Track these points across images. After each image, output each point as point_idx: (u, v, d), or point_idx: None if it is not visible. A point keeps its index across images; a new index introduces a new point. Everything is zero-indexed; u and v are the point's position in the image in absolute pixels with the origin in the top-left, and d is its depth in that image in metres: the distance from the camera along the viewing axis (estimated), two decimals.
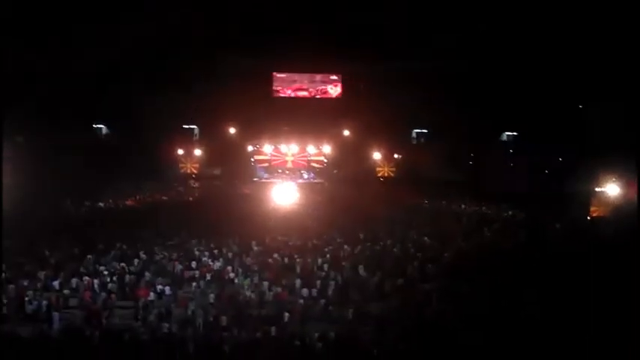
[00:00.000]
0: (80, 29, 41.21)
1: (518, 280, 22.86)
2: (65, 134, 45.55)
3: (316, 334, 17.52)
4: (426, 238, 31.76)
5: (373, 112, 52.68)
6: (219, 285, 23.33)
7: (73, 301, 21.63)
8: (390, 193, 50.07)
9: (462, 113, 50.44)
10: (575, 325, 17.15)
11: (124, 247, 28.33)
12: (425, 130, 60.52)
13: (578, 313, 18.03)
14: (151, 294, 21.86)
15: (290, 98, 60.20)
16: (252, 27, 48.04)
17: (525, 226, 36.63)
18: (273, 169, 60.11)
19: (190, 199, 50.84)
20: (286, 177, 58.39)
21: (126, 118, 53.31)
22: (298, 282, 23.52)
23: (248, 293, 22.21)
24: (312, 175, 59.78)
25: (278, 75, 60.35)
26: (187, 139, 60.11)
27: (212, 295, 21.82)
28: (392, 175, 58.88)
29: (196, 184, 57.58)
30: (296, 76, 60.75)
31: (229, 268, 25.22)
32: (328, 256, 27.49)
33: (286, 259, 26.71)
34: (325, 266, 25.81)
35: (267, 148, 60.07)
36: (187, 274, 24.72)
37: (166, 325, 18.60)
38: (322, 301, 21.56)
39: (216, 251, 27.83)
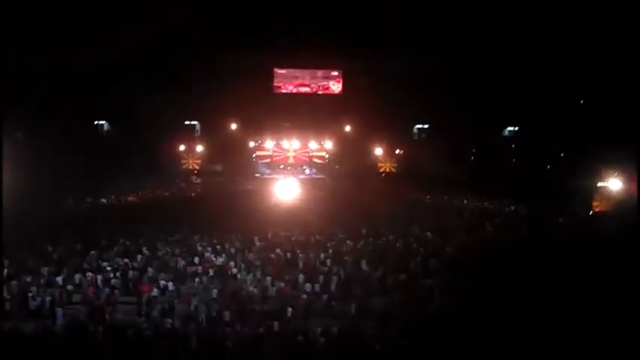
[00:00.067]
0: (80, 26, 41.20)
1: (521, 275, 22.85)
2: (66, 131, 45.54)
3: (319, 330, 17.53)
4: (428, 233, 31.78)
5: (374, 107, 52.62)
6: (222, 280, 23.35)
7: (76, 297, 21.66)
8: (391, 189, 50.08)
9: (463, 109, 50.39)
10: (577, 321, 17.15)
11: (127, 243, 28.37)
12: (426, 126, 60.53)
13: (579, 309, 18.02)
14: (154, 290, 21.87)
15: (292, 94, 60.20)
16: (254, 23, 48.01)
17: (527, 222, 36.62)
18: (275, 164, 60.20)
19: (192, 194, 50.90)
20: (288, 173, 58.44)
21: (127, 115, 53.34)
22: (301, 277, 23.51)
23: (251, 288, 22.23)
24: (313, 170, 59.84)
25: (279, 71, 60.33)
26: (189, 136, 60.14)
27: (215, 291, 21.85)
28: (393, 170, 58.92)
29: (198, 180, 57.64)
30: (297, 72, 60.73)
31: (232, 263, 25.23)
32: (331, 251, 27.52)
33: (289, 255, 26.73)
34: (328, 261, 25.82)
35: (269, 144, 60.16)
36: (190, 269, 24.72)
37: (169, 320, 18.60)
38: (325, 297, 21.57)
39: (218, 247, 27.85)
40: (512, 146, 58.75)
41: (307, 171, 59.79)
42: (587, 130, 43.87)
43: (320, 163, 60.27)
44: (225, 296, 21.46)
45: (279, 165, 60.24)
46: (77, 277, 23.20)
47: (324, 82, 60.73)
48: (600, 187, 41.78)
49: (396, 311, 19.86)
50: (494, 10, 43.91)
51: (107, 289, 21.89)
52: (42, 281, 22.78)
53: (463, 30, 46.73)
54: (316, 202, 43.00)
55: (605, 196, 40.94)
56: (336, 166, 59.44)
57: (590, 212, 40.48)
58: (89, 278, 22.98)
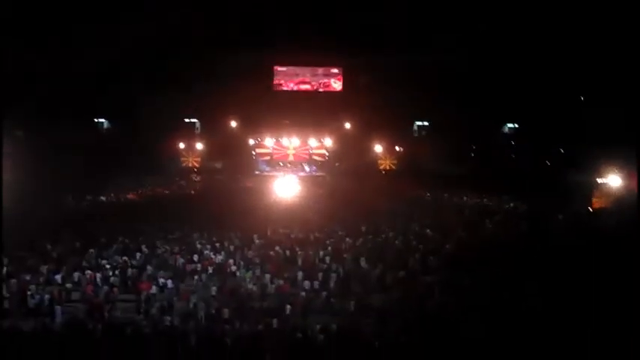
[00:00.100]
0: (80, 26, 41.21)
1: (520, 272, 22.86)
2: (66, 129, 45.52)
3: (318, 327, 17.55)
4: (427, 230, 31.77)
5: (375, 105, 52.60)
6: (221, 278, 23.35)
7: (75, 295, 21.68)
8: (391, 186, 50.07)
9: (463, 106, 50.37)
10: (577, 318, 17.15)
11: (126, 240, 28.38)
12: (426, 123, 60.50)
13: (579, 305, 18.03)
14: (153, 287, 21.88)
15: (292, 92, 60.19)
16: (254, 21, 48.00)
17: (526, 218, 36.63)
18: (275, 162, 60.16)
19: (192, 192, 50.89)
20: (288, 170, 58.38)
21: (127, 113, 53.33)
22: (300, 274, 23.53)
23: (250, 286, 22.24)
24: (313, 168, 59.82)
25: (279, 68, 60.31)
26: (189, 133, 60.10)
27: (214, 288, 21.85)
28: (393, 167, 58.88)
29: (198, 178, 57.61)
30: (298, 70, 60.72)
31: (231, 261, 25.23)
32: (330, 248, 27.51)
33: (288, 252, 26.72)
34: (327, 259, 25.82)
35: (269, 142, 60.12)
36: (189, 267, 24.72)
37: (168, 318, 18.62)
38: (324, 294, 21.59)
39: (218, 244, 27.84)
40: (512, 143, 58.69)
41: (307, 168, 59.76)
42: (586, 126, 43.84)
43: (320, 161, 60.23)
44: (225, 294, 21.46)
45: (279, 162, 60.21)
46: (76, 275, 23.20)
47: (325, 80, 60.70)
48: (600, 183, 41.77)
49: (395, 308, 19.88)
50: (493, 7, 43.90)
51: (106, 287, 21.89)
52: (41, 279, 22.80)
53: (463, 28, 46.70)
54: (316, 199, 43.01)
55: (604, 193, 40.93)
56: (336, 164, 59.40)
57: (590, 209, 40.47)
58: (88, 276, 22.99)
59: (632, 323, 14.85)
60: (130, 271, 23.87)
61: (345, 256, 26.34)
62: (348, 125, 59.16)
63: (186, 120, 60.18)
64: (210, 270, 24.35)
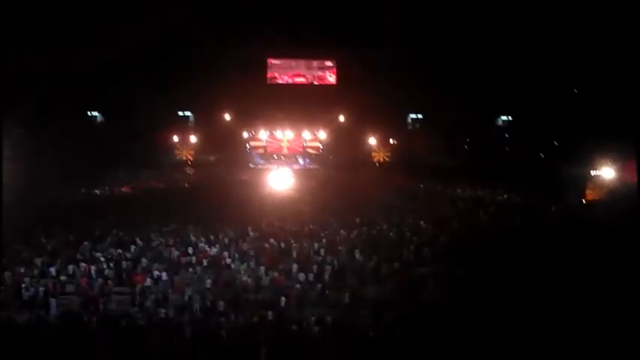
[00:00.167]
0: (77, 19, 41.12)
1: (513, 263, 22.93)
2: (59, 122, 45.35)
3: (313, 319, 17.59)
4: (421, 222, 31.83)
5: (368, 97, 52.48)
6: (215, 270, 23.36)
7: (70, 288, 21.66)
8: (385, 178, 50.10)
9: (457, 98, 50.34)
10: (571, 309, 17.24)
11: (121, 233, 28.37)
12: (420, 116, 60.45)
13: (573, 296, 18.11)
14: (148, 280, 21.88)
15: (287, 85, 60.02)
16: (247, 13, 47.84)
17: (520, 210, 36.72)
18: (269, 155, 60.02)
19: (186, 185, 50.80)
20: (282, 163, 58.34)
21: (120, 107, 53.11)
22: (295, 267, 23.55)
23: (245, 278, 22.26)
24: (307, 160, 59.71)
25: (273, 61, 60.14)
26: (182, 127, 59.91)
27: (209, 281, 21.87)
28: (387, 160, 58.86)
29: (192, 171, 57.49)
30: (293, 63, 60.54)
31: (226, 253, 25.24)
32: (324, 240, 27.54)
33: (283, 244, 26.74)
34: (322, 251, 25.85)
35: (263, 135, 59.97)
36: (184, 259, 24.72)
37: (163, 310, 18.64)
38: (319, 286, 21.62)
39: (212, 237, 27.84)
40: (506, 135, 58.72)
41: (301, 161, 59.65)
42: (580, 119, 43.91)
43: (314, 154, 60.14)
44: (219, 286, 21.49)
45: (273, 155, 60.10)
46: (71, 267, 23.19)
47: (320, 73, 60.59)
48: (594, 175, 41.88)
49: (389, 300, 19.93)
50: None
51: (101, 280, 21.88)
52: (35, 272, 22.77)
53: (457, 20, 46.62)
54: (310, 192, 42.95)
55: (598, 185, 41.05)
56: (330, 156, 59.33)
57: (583, 200, 40.60)
58: (83, 269, 22.98)
59: (632, 317, 14.91)
60: (124, 263, 23.86)
61: (339, 248, 26.38)
62: (342, 118, 59.08)
63: (180, 113, 59.96)
64: (205, 262, 24.36)
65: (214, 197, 38.53)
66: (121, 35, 43.97)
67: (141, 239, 27.26)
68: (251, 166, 58.47)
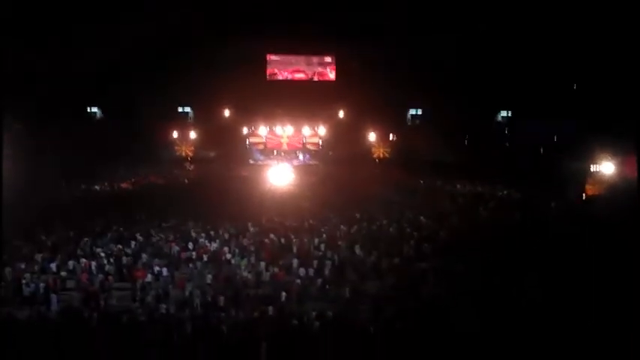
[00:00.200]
0: (76, 16, 41.12)
1: (513, 258, 22.95)
2: (58, 119, 45.37)
3: (314, 314, 17.59)
4: (421, 218, 31.84)
5: (368, 93, 52.47)
6: (216, 266, 23.37)
7: (70, 283, 21.67)
8: (385, 174, 50.13)
9: (456, 94, 50.33)
10: (571, 304, 17.27)
11: (121, 229, 28.39)
12: (420, 111, 60.43)
13: (573, 292, 18.14)
14: (149, 275, 21.88)
15: (287, 80, 59.99)
16: (247, 9, 47.79)
17: (520, 206, 36.74)
18: (269, 151, 60.10)
19: (186, 181, 50.83)
20: (282, 159, 58.41)
21: (120, 103, 53.11)
22: (295, 262, 23.54)
23: (245, 273, 22.27)
24: (307, 156, 59.77)
25: (272, 57, 60.08)
26: (182, 122, 59.90)
27: (209, 276, 21.87)
28: (387, 156, 58.90)
29: (192, 167, 57.53)
30: (292, 58, 60.52)
31: (226, 248, 25.24)
32: (325, 235, 27.55)
33: (283, 240, 26.74)
34: (322, 246, 25.85)
35: (262, 131, 60.01)
36: (184, 255, 24.72)
37: (164, 306, 18.64)
38: (319, 281, 21.63)
39: (212, 232, 27.86)
40: (505, 131, 58.71)
41: (301, 157, 59.72)
42: (579, 114, 43.94)
43: (313, 150, 60.19)
44: (220, 281, 21.50)
45: (273, 151, 60.16)
46: (71, 263, 23.19)
47: (320, 69, 60.56)
48: (594, 170, 41.90)
49: (390, 295, 19.95)
50: None
51: (101, 275, 21.88)
52: (36, 268, 22.77)
53: (456, 15, 46.57)
54: (310, 187, 42.97)
55: (598, 180, 41.07)
56: (330, 152, 59.36)
57: (584, 196, 40.61)
58: (83, 264, 22.98)
59: (631, 312, 14.92)
60: (125, 259, 23.86)
61: (339, 243, 26.39)
62: (341, 114, 59.09)
63: (180, 109, 59.94)
64: (206, 258, 24.38)
65: (214, 193, 38.53)
66: (120, 31, 43.99)
67: (141, 235, 27.25)
68: (251, 162, 58.56)
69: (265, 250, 25.05)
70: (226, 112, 59.38)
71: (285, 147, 60.20)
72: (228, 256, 24.55)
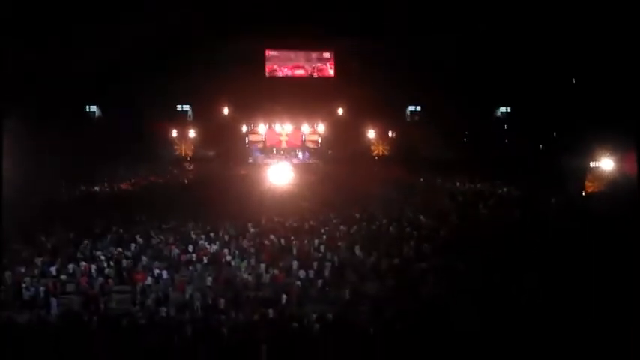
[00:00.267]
0: (76, 15, 41.15)
1: (513, 256, 22.94)
2: (58, 119, 45.34)
3: (314, 315, 17.57)
4: (421, 217, 31.81)
5: (367, 90, 52.44)
6: (216, 268, 23.35)
7: (70, 287, 21.65)
8: (384, 172, 50.09)
9: (455, 90, 50.33)
10: (571, 301, 17.27)
11: (121, 231, 28.37)
12: (419, 108, 60.41)
13: (573, 289, 18.14)
14: (148, 278, 21.87)
15: (286, 77, 59.97)
16: (246, 6, 47.76)
17: (520, 203, 36.72)
18: (268, 149, 60.11)
19: (185, 181, 50.79)
20: (281, 157, 58.40)
21: (119, 101, 53.09)
22: (295, 263, 23.53)
23: (245, 275, 22.26)
24: (306, 155, 59.78)
25: (271, 53, 60.02)
26: (181, 121, 59.87)
27: (209, 278, 21.86)
28: (386, 153, 58.90)
29: (191, 167, 57.50)
30: (292, 54, 60.48)
31: (226, 250, 25.22)
32: (325, 237, 27.52)
33: (283, 241, 26.72)
34: (322, 247, 25.83)
35: (262, 129, 60.00)
36: (184, 257, 24.70)
37: (164, 309, 18.63)
38: (319, 282, 21.62)
39: (212, 234, 27.83)
40: (505, 127, 58.71)
41: (300, 156, 59.72)
42: (579, 110, 43.91)
43: (313, 148, 60.19)
44: (220, 283, 21.48)
45: (272, 150, 60.16)
46: (71, 266, 23.17)
47: (319, 65, 60.52)
48: (593, 167, 41.89)
49: (390, 296, 19.94)
50: None
51: (101, 278, 21.86)
52: (36, 271, 22.76)
53: (455, 12, 46.54)
54: (309, 187, 42.93)
55: (598, 177, 41.06)
56: (329, 151, 59.35)
57: (583, 193, 40.61)
58: (83, 267, 22.96)
59: (631, 310, 14.92)
60: (125, 262, 23.83)
61: (339, 244, 26.36)
62: (340, 111, 59.06)
63: (179, 108, 59.91)
64: (205, 260, 24.36)
65: (214, 193, 38.52)
66: (120, 30, 43.99)
67: (141, 237, 27.23)
68: (250, 160, 58.52)
69: (265, 252, 25.03)
70: (225, 110, 59.37)
71: (284, 145, 60.24)
72: (228, 258, 24.53)
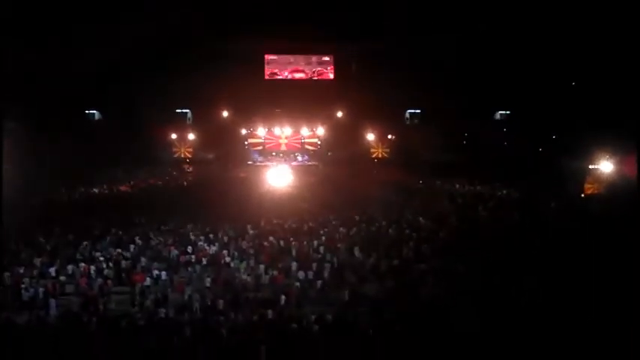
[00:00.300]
0: (77, 21, 41.18)
1: (513, 258, 22.95)
2: (57, 121, 45.33)
3: (313, 317, 17.57)
4: (420, 219, 31.81)
5: (366, 93, 52.47)
6: (215, 269, 23.34)
7: (69, 288, 21.63)
8: (383, 175, 50.07)
9: (454, 93, 50.32)
10: (570, 303, 17.28)
11: (120, 232, 28.36)
12: (418, 111, 60.43)
13: (572, 291, 18.15)
14: (148, 279, 21.85)
15: (285, 80, 59.95)
16: (245, 9, 47.75)
17: (519, 205, 36.72)
18: (267, 152, 60.09)
19: (185, 183, 50.78)
20: (280, 160, 58.39)
21: (119, 104, 53.08)
22: (294, 265, 23.53)
23: (244, 277, 22.24)
24: (306, 157, 59.78)
25: (270, 57, 60.04)
26: (181, 124, 59.88)
27: (208, 280, 21.85)
28: (386, 156, 58.90)
29: (190, 169, 57.50)
30: (292, 58, 60.50)
31: (225, 252, 25.21)
32: (324, 238, 27.52)
33: (282, 242, 26.72)
34: (321, 249, 25.82)
35: (261, 131, 60.01)
36: (183, 258, 24.69)
37: (163, 310, 18.61)
38: (318, 284, 21.61)
39: (211, 235, 27.83)
40: (504, 130, 58.70)
41: (299, 158, 59.72)
42: (578, 113, 43.92)
43: (312, 150, 60.19)
44: (219, 285, 21.47)
45: (272, 152, 60.16)
46: (70, 267, 23.16)
47: (319, 68, 60.53)
48: (592, 169, 41.91)
49: (389, 297, 19.93)
50: None
51: (100, 280, 21.84)
52: (35, 272, 22.74)
53: (454, 15, 46.55)
54: (308, 188, 42.93)
55: (597, 179, 41.09)
56: (329, 153, 59.34)
57: (582, 194, 40.64)
58: (82, 269, 22.95)
59: (631, 312, 14.92)
60: (124, 263, 23.82)
61: (339, 245, 26.36)
62: (340, 114, 59.05)
63: (178, 111, 59.89)
64: (205, 261, 24.34)
65: (213, 195, 38.50)
66: (120, 33, 43.98)
67: (140, 238, 27.22)
68: (249, 163, 58.48)
69: (264, 253, 25.03)
70: (225, 113, 59.33)
71: (283, 148, 60.22)
72: (228, 259, 24.51)
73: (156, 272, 22.63)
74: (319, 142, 60.01)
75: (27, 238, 26.79)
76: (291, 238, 27.27)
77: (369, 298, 20.08)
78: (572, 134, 45.49)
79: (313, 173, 52.98)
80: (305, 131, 59.76)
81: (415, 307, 18.73)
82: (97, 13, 41.45)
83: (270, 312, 18.22)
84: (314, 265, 23.54)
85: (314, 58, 60.45)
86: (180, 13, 45.48)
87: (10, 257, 23.56)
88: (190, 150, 59.44)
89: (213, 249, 25.81)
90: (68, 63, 43.49)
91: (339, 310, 18.50)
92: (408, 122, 61.08)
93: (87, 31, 42.28)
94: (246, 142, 60.24)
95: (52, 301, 19.63)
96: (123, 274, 22.86)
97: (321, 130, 59.42)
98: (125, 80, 49.74)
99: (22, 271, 22.40)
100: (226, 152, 58.79)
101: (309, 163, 58.87)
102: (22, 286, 20.79)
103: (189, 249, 25.69)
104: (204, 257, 24.70)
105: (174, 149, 59.26)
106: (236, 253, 25.12)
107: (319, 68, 60.46)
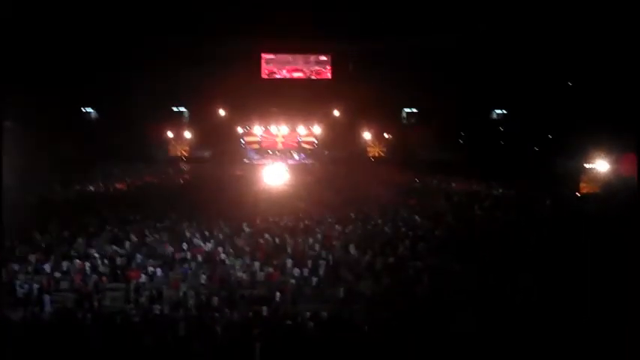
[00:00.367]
0: (69, 12, 41.09)
1: (509, 257, 22.97)
2: (53, 118, 45.20)
3: (308, 314, 17.57)
4: (416, 217, 31.81)
5: (363, 92, 52.39)
6: (210, 266, 23.32)
7: (64, 284, 21.60)
8: (380, 173, 50.04)
9: (451, 92, 50.31)
10: (566, 301, 17.30)
11: (115, 229, 28.31)
12: (415, 110, 60.39)
13: (568, 289, 18.17)
14: (143, 276, 21.83)
15: (283, 79, 59.83)
16: (242, 8, 47.68)
17: (515, 204, 36.75)
18: (264, 150, 59.94)
19: (181, 181, 50.70)
20: (277, 158, 58.29)
21: (114, 102, 52.94)
22: (289, 262, 23.51)
23: (239, 274, 22.23)
24: (302, 156, 59.64)
25: (267, 56, 59.94)
26: (177, 122, 59.72)
27: (204, 276, 21.83)
28: (383, 155, 58.85)
29: (186, 167, 57.38)
30: (290, 57, 60.39)
31: (220, 249, 25.19)
32: (319, 235, 27.50)
33: (277, 240, 26.70)
34: (316, 246, 25.82)
35: (258, 130, 59.87)
36: (178, 255, 24.65)
37: (158, 306, 18.59)
38: (314, 281, 21.60)
39: (207, 233, 27.79)
40: (500, 129, 58.69)
41: (296, 156, 59.60)
42: (574, 112, 43.94)
43: (309, 149, 60.09)
44: (214, 282, 21.45)
45: (268, 151, 60.04)
46: (65, 264, 23.12)
47: (317, 68, 60.44)
48: (588, 168, 41.93)
49: (384, 295, 19.93)
50: None
51: (95, 276, 21.81)
52: (29, 268, 22.70)
53: (452, 13, 46.56)
54: (305, 187, 42.89)
55: (592, 178, 41.12)
56: (325, 152, 59.25)
57: (578, 193, 40.68)
58: (77, 265, 22.91)
59: (627, 310, 14.92)
60: (119, 260, 23.79)
61: (334, 243, 26.35)
62: (337, 113, 58.98)
63: (174, 109, 59.75)
64: (200, 258, 24.31)
65: (209, 193, 38.45)
66: (118, 31, 43.93)
67: (135, 235, 27.18)
68: (246, 161, 58.36)
69: (260, 251, 25.01)
70: (221, 112, 59.22)
71: (280, 146, 60.07)
72: (223, 256, 24.48)
73: (151, 269, 22.60)
74: (316, 141, 59.90)
75: (21, 234, 26.69)
76: (287, 236, 27.25)
77: (364, 295, 20.09)
78: (568, 133, 45.48)
79: (310, 172, 52.87)
80: (302, 130, 59.66)
81: (410, 304, 18.74)
82: (94, 12, 41.40)
83: (265, 309, 18.22)
84: (309, 262, 23.53)
85: (312, 58, 60.36)
86: (178, 11, 45.49)
87: (4, 253, 23.47)
88: (186, 148, 59.26)
89: (209, 246, 25.77)
90: (64, 60, 43.48)
91: (334, 308, 18.51)
92: (405, 121, 60.96)
93: (83, 28, 42.22)
94: (242, 141, 60.11)
95: (47, 298, 19.63)
96: (118, 271, 22.84)
97: (318, 129, 59.31)
98: (122, 78, 49.62)
99: (16, 267, 22.38)
100: (223, 150, 58.61)
101: (306, 161, 58.76)
102: (17, 282, 20.76)
103: (185, 246, 25.66)
104: (200, 254, 24.66)
105: (171, 147, 59.09)
106: (231, 250, 25.10)
107: (317, 68, 60.35)
